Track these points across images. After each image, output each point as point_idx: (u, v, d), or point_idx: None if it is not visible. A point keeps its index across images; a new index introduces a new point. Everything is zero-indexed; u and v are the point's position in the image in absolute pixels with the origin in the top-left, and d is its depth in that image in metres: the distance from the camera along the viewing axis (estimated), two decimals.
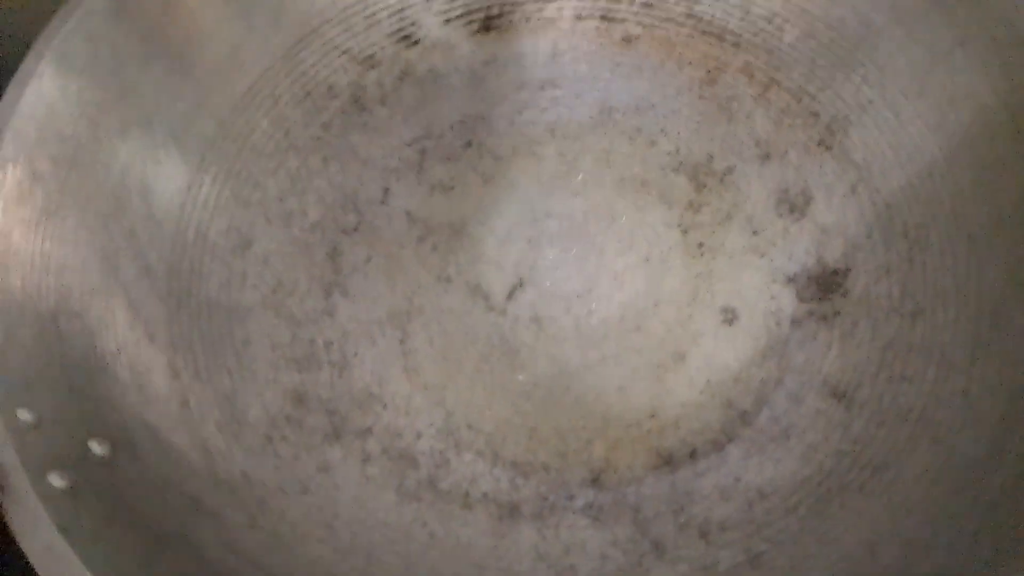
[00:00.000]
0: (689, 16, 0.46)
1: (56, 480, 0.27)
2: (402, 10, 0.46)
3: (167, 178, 0.39)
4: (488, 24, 0.47)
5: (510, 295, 0.41)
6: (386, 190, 0.44)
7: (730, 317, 0.40)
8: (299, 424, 0.37)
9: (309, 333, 0.40)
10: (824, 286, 0.40)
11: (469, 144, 0.46)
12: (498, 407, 0.38)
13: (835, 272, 0.40)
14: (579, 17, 0.47)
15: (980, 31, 0.38)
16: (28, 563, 0.25)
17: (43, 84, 0.35)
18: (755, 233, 0.42)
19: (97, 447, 0.30)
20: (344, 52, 0.45)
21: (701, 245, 0.41)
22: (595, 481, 0.36)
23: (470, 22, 0.47)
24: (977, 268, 0.36)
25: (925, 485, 0.32)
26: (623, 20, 0.46)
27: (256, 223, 0.42)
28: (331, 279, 0.41)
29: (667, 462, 0.36)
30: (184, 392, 0.35)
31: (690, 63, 0.46)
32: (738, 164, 0.44)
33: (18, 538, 0.26)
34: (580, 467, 0.37)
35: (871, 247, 0.40)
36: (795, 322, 0.39)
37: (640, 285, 0.41)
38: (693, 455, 0.36)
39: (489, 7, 0.47)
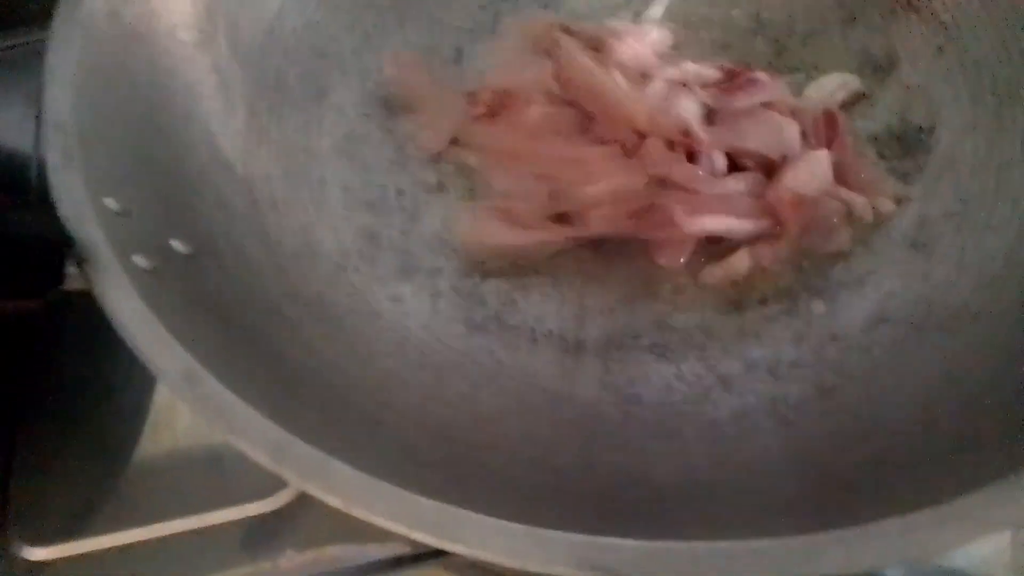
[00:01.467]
0: None
1: (141, 261, 0.28)
2: None
3: (250, 23, 0.40)
4: None
5: None
6: (459, 50, 0.44)
7: None
8: (371, 259, 0.38)
9: (380, 180, 0.40)
10: (908, 144, 0.39)
11: (546, 6, 0.45)
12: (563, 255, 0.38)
13: (919, 129, 0.39)
14: None
15: None
16: None
17: None
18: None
19: (180, 245, 0.31)
20: None
21: None
22: (659, 324, 0.36)
23: None
24: None
25: (1006, 323, 0.31)
26: None
27: (332, 74, 0.42)
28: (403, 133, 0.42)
29: (736, 307, 0.36)
30: (262, 219, 0.36)
31: None
32: (820, 27, 0.43)
33: (105, 306, 0.26)
34: (646, 311, 0.36)
35: (957, 105, 0.38)
36: None
37: None
38: (763, 301, 0.36)
39: None
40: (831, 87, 0.40)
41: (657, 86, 0.38)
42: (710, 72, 0.40)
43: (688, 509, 0.27)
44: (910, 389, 0.30)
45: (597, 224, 0.35)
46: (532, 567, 0.22)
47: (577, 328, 0.36)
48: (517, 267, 0.37)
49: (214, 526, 0.36)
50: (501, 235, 0.36)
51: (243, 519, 0.37)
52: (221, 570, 0.36)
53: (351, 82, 0.42)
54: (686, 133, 0.37)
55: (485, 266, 0.37)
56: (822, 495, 0.26)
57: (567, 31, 0.40)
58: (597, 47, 0.41)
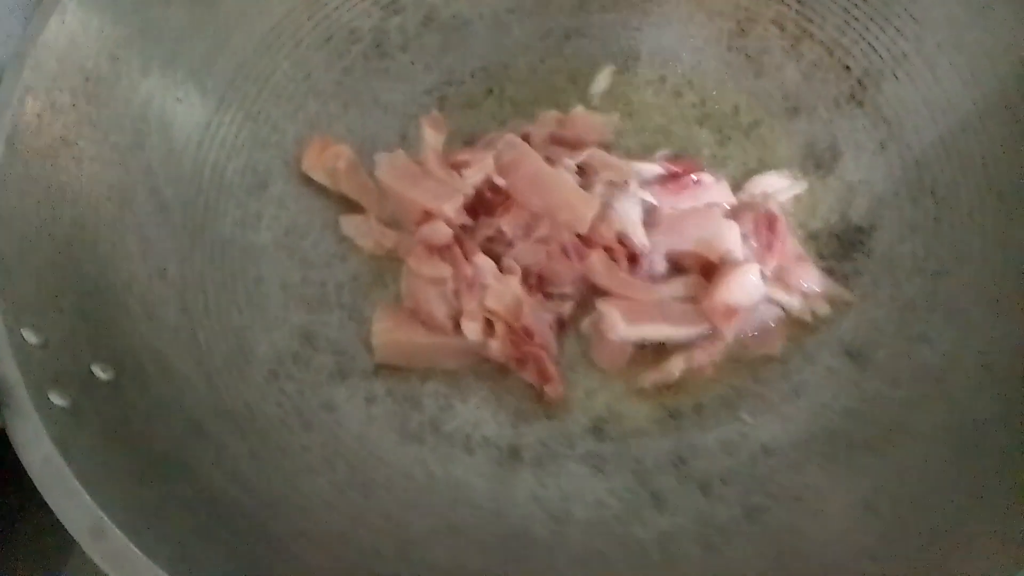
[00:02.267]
0: None
1: (57, 398, 0.28)
2: None
3: (186, 116, 0.39)
4: None
5: None
6: (403, 137, 0.44)
7: None
8: (306, 363, 0.37)
9: (321, 276, 0.40)
10: (847, 244, 0.39)
11: (490, 92, 0.45)
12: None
13: (859, 229, 0.39)
14: None
15: None
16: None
17: (66, 18, 0.35)
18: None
19: (101, 372, 0.30)
20: None
21: None
22: (596, 432, 0.36)
23: None
24: (1005, 227, 0.34)
25: (934, 444, 0.31)
26: None
27: (273, 165, 0.42)
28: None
29: (672, 415, 0.36)
30: (193, 326, 0.36)
31: (720, 14, 0.44)
32: (765, 118, 0.43)
33: (18, 450, 0.26)
34: (582, 416, 0.36)
35: (898, 205, 0.39)
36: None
37: None
38: (698, 410, 0.36)
39: None
40: (773, 185, 0.39)
41: (598, 188, 0.38)
42: (653, 168, 0.40)
43: None
44: (832, 514, 0.30)
45: (494, 352, 0.35)
46: None
47: (513, 435, 0.36)
48: (452, 373, 0.37)
49: None
50: (410, 336, 0.36)
51: None
52: None
53: (293, 173, 0.42)
54: (626, 242, 0.37)
55: (396, 368, 0.37)
56: None
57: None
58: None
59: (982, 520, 0.27)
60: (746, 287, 0.35)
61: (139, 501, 0.27)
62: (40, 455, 0.26)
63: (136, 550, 0.24)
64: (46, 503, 0.26)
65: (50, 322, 0.30)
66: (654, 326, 0.36)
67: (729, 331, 0.36)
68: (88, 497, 0.25)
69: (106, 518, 0.25)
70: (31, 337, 0.29)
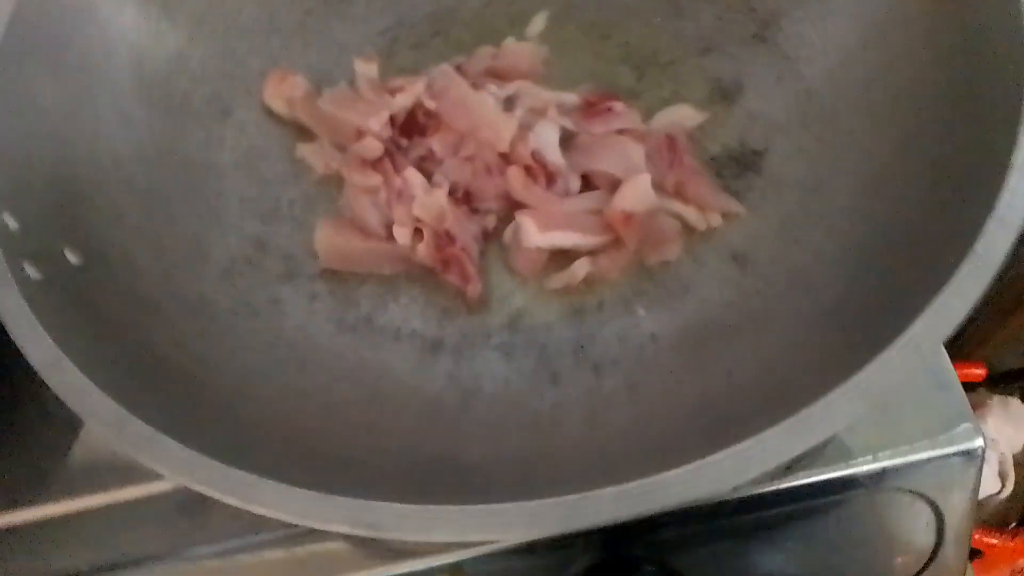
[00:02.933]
0: None
1: (31, 271, 0.33)
2: None
3: (158, 48, 0.44)
4: None
5: None
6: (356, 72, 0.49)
7: None
8: (257, 265, 0.42)
9: (275, 192, 0.45)
10: (743, 165, 0.43)
11: (437, 34, 0.50)
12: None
13: (755, 153, 0.43)
14: None
15: None
16: None
17: None
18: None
19: (71, 256, 0.35)
20: None
21: None
22: (512, 325, 0.40)
23: None
24: (871, 143, 0.39)
25: (792, 323, 0.35)
26: None
27: (237, 95, 0.47)
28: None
29: (578, 312, 0.40)
30: (156, 228, 0.41)
31: None
32: (680, 56, 0.47)
33: None
34: (500, 313, 0.41)
35: (789, 131, 0.43)
36: None
37: None
38: (600, 307, 0.40)
39: None
40: (678, 116, 0.44)
41: (519, 113, 0.43)
42: (572, 99, 0.44)
43: (491, 481, 0.31)
44: (700, 385, 0.35)
45: (421, 256, 0.40)
46: (316, 525, 0.26)
47: (437, 328, 0.41)
48: (387, 277, 0.42)
49: (151, 495, 0.42)
50: (348, 241, 0.41)
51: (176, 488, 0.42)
52: (161, 529, 0.41)
53: (255, 102, 0.47)
54: (540, 160, 0.41)
55: (338, 272, 0.41)
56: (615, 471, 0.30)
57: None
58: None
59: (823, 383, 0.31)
60: (638, 194, 0.39)
61: (95, 351, 0.31)
62: (13, 307, 0.31)
63: (86, 379, 0.29)
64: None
65: (27, 211, 0.35)
66: (564, 234, 0.41)
67: (629, 237, 0.40)
68: (50, 339, 0.30)
69: (65, 356, 0.30)
70: (10, 221, 0.34)
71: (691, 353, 0.37)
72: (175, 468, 0.27)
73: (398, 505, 0.26)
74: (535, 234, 0.40)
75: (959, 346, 1.07)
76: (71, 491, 0.43)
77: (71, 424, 0.45)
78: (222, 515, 0.42)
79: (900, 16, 0.39)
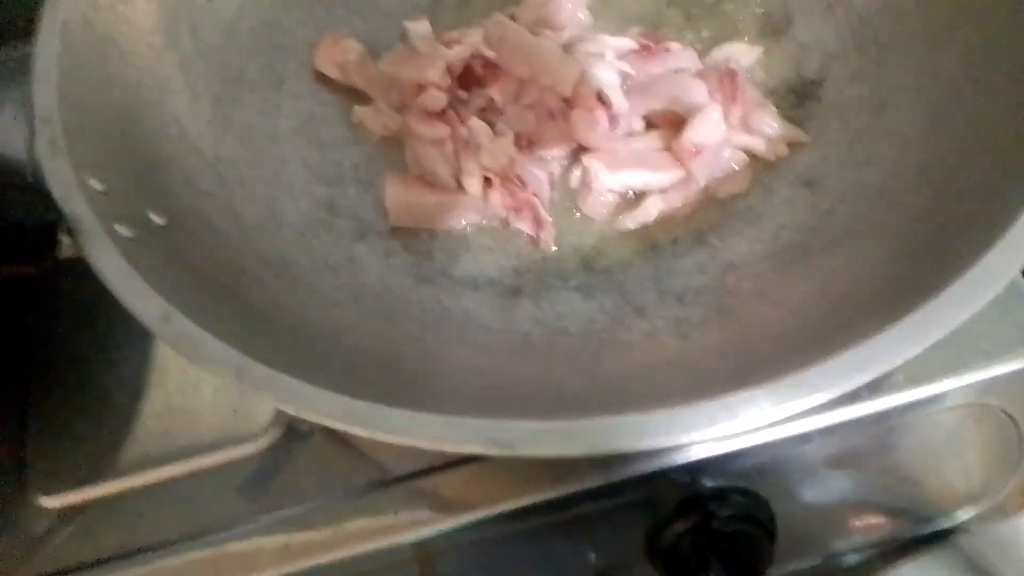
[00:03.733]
0: None
1: (123, 230, 0.33)
2: None
3: (212, 21, 0.45)
4: None
5: None
6: (403, 37, 0.49)
7: None
8: (329, 227, 0.42)
9: (337, 156, 0.45)
10: (801, 95, 0.43)
11: None
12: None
13: (812, 82, 0.43)
14: None
15: None
16: None
17: None
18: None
19: (156, 217, 0.36)
20: None
21: None
22: (586, 266, 0.41)
23: None
24: (934, 62, 0.39)
25: (876, 242, 0.36)
26: None
27: (288, 65, 0.47)
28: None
29: (652, 247, 0.41)
30: (228, 195, 0.41)
31: None
32: None
33: (96, 267, 0.31)
34: (573, 256, 0.41)
35: (845, 57, 0.43)
36: None
37: None
38: (675, 241, 0.41)
39: None
40: (732, 52, 0.44)
41: (579, 57, 0.43)
42: (628, 43, 0.45)
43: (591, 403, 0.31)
44: (792, 303, 0.35)
45: (494, 205, 0.41)
46: (448, 448, 0.27)
47: (514, 275, 0.41)
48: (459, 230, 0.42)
49: (210, 468, 0.42)
50: (418, 196, 0.41)
51: (232, 460, 0.42)
52: (221, 504, 0.41)
53: (306, 70, 0.47)
54: (605, 100, 0.42)
55: (409, 229, 0.42)
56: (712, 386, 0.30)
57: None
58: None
59: (913, 289, 0.32)
60: (709, 126, 0.40)
61: (199, 303, 0.32)
62: (114, 266, 0.31)
63: (200, 329, 0.30)
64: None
65: (111, 176, 0.35)
66: (633, 172, 0.41)
67: (699, 171, 0.40)
68: (156, 293, 0.30)
69: (173, 308, 0.30)
70: (96, 185, 0.34)
71: (776, 276, 0.37)
72: (302, 405, 0.28)
73: (529, 422, 0.26)
74: (604, 175, 0.41)
75: None
76: (147, 464, 0.44)
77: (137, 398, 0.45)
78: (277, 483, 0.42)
79: None
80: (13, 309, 0.39)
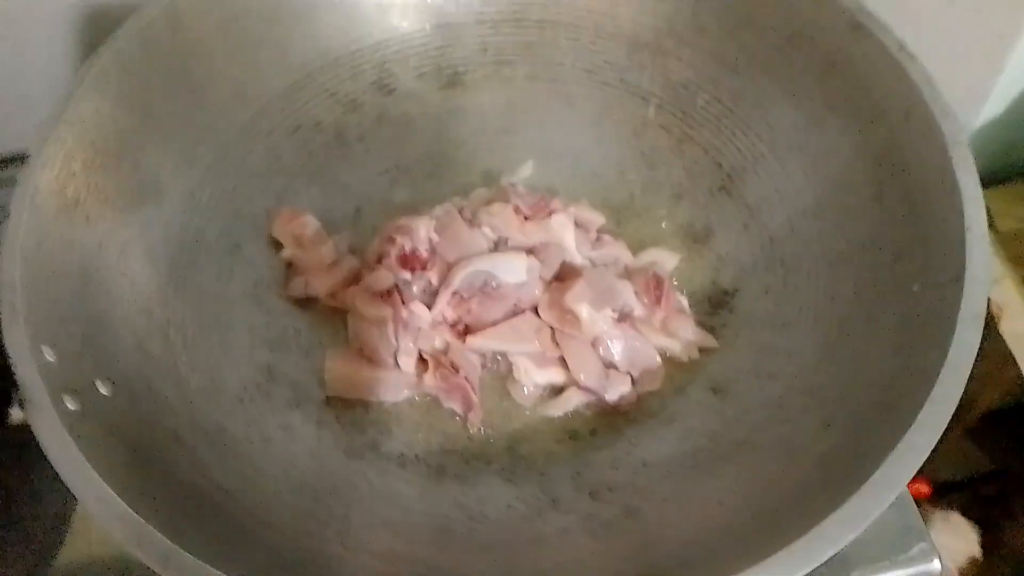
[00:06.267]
0: (621, 81, 0.55)
1: (69, 403, 0.34)
2: (383, 64, 0.55)
3: (176, 186, 0.47)
4: (454, 80, 0.56)
5: None
6: (358, 210, 0.52)
7: None
8: (267, 393, 0.44)
9: (282, 322, 0.47)
10: (716, 303, 0.48)
11: (431, 175, 0.54)
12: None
13: (725, 292, 0.48)
14: (531, 78, 0.56)
15: (845, 101, 0.46)
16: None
17: (83, 105, 0.43)
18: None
19: (101, 386, 0.37)
20: (332, 95, 0.54)
21: None
22: (510, 450, 0.43)
23: (438, 77, 0.56)
24: (833, 288, 0.44)
25: (773, 455, 0.39)
26: (566, 82, 0.55)
27: (245, 230, 0.50)
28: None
29: (572, 437, 0.43)
30: (174, 358, 0.42)
31: (620, 120, 0.54)
32: (654, 203, 0.52)
33: (40, 438, 0.33)
34: (499, 439, 0.44)
35: (756, 272, 0.48)
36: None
37: None
38: (593, 433, 0.44)
39: (456, 66, 0.56)
40: (659, 256, 0.49)
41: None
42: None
43: None
44: (692, 510, 0.38)
45: (427, 384, 0.44)
46: None
47: (440, 454, 0.43)
48: (392, 405, 0.44)
49: None
50: (356, 370, 0.43)
51: None
52: None
53: (262, 236, 0.50)
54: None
55: (344, 399, 0.44)
56: None
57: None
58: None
59: (805, 505, 0.35)
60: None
61: (133, 481, 0.33)
62: (58, 442, 0.32)
63: (132, 512, 0.31)
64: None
65: (62, 343, 0.37)
66: (557, 371, 0.44)
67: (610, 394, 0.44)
68: (95, 474, 0.32)
69: (107, 487, 0.31)
70: (48, 353, 0.36)
71: (683, 480, 0.40)
72: None
73: None
74: (532, 371, 0.44)
75: None
76: None
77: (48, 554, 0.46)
78: None
79: (850, 180, 0.45)
80: None
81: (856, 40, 0.45)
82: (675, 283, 0.49)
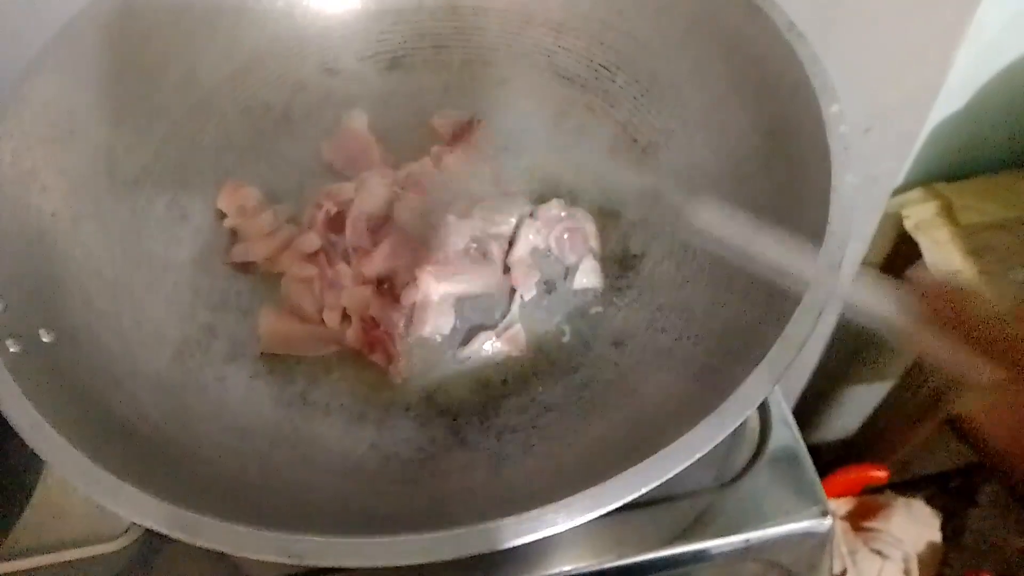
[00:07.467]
0: (550, 64, 0.59)
1: (12, 346, 0.39)
2: (327, 49, 0.59)
3: (128, 161, 0.52)
4: (393, 64, 0.60)
5: None
6: (301, 185, 0.57)
7: (550, 288, 0.51)
8: (207, 348, 0.48)
9: (224, 285, 0.52)
10: (624, 266, 0.52)
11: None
12: None
13: (634, 256, 0.52)
14: (466, 62, 0.60)
15: (745, 79, 0.50)
16: None
17: (39, 82, 0.47)
18: None
19: (44, 334, 0.41)
20: (279, 77, 0.58)
21: None
22: (428, 399, 0.47)
23: (379, 61, 0.60)
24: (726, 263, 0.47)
25: (653, 395, 0.43)
26: (499, 65, 0.59)
27: (194, 202, 0.54)
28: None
29: (485, 386, 0.47)
30: (120, 313, 0.47)
31: (548, 101, 0.58)
32: (579, 181, 0.56)
33: None
34: (419, 389, 0.48)
35: (661, 238, 0.52)
36: (598, 293, 0.51)
37: None
38: (504, 382, 0.48)
39: (395, 51, 0.60)
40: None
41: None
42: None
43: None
44: (582, 444, 0.42)
45: (350, 339, 0.48)
46: (250, 555, 0.32)
47: (363, 403, 0.47)
48: (320, 358, 0.49)
49: (75, 561, 0.47)
50: (286, 326, 0.48)
51: (95, 556, 0.47)
52: None
53: (210, 208, 0.54)
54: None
55: (277, 355, 0.48)
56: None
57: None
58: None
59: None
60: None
61: (70, 414, 0.37)
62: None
63: (66, 442, 0.35)
64: None
65: (10, 295, 0.41)
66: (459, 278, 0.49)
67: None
68: (31, 405, 0.36)
69: (42, 419, 0.36)
70: None
71: (579, 419, 0.44)
72: (134, 511, 0.33)
73: (319, 537, 0.32)
74: (433, 284, 0.48)
75: (863, 450, 1.16)
76: (17, 553, 0.48)
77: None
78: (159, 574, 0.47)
79: (745, 152, 0.49)
80: None
81: (752, 21, 0.49)
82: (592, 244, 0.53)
